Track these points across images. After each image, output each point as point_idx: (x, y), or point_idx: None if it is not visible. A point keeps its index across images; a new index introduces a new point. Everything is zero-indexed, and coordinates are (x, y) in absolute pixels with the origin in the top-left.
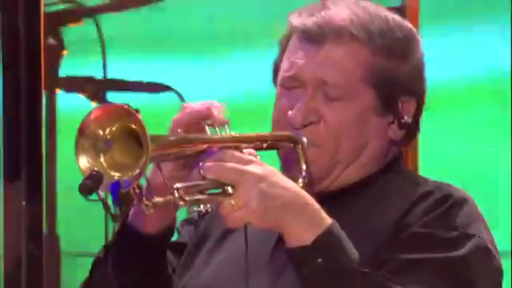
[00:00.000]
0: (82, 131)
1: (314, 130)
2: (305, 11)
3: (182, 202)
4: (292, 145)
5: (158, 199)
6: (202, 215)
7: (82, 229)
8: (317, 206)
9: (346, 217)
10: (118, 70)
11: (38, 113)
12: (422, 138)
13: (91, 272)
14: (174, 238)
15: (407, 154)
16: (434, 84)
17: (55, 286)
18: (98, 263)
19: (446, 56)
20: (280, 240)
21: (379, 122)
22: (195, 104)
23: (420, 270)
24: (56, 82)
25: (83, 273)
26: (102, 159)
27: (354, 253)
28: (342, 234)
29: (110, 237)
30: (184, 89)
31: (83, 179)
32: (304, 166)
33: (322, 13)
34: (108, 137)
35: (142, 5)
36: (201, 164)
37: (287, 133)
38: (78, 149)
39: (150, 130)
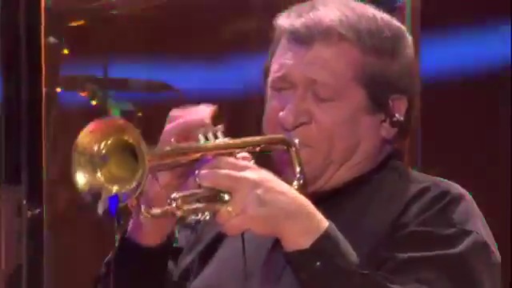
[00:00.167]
0: (77, 148)
1: (306, 130)
2: (293, 12)
3: (179, 212)
4: (285, 147)
5: (155, 210)
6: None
7: None
8: (313, 208)
9: (342, 216)
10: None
11: (38, 112)
12: None
13: None
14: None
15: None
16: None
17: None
18: (99, 279)
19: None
20: (277, 243)
21: (371, 120)
22: (187, 111)
23: (419, 268)
24: (57, 81)
25: None
26: (99, 174)
27: (352, 254)
28: (340, 236)
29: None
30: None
31: (82, 197)
32: (298, 169)
33: (311, 14)
34: (103, 151)
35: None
36: (196, 172)
37: (280, 136)
38: (75, 165)
39: (151, 130)
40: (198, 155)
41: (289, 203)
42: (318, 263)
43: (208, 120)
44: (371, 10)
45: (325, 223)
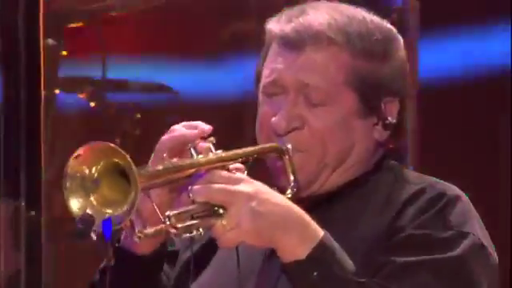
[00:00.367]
0: (68, 173)
1: (298, 135)
2: (283, 16)
3: (174, 230)
4: (278, 155)
5: (149, 230)
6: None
7: None
8: (308, 218)
9: (337, 221)
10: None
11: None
12: None
13: None
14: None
15: None
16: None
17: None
18: (93, 286)
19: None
20: (272, 252)
21: (363, 124)
22: (179, 127)
23: (417, 272)
24: (55, 83)
25: None
26: (91, 198)
27: (347, 262)
28: (335, 245)
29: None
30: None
31: (75, 224)
32: (292, 177)
33: (300, 18)
34: (95, 175)
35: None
36: (189, 188)
37: (273, 144)
38: (67, 191)
39: (150, 132)
40: (192, 171)
41: (283, 214)
42: (315, 273)
43: (205, 135)
44: (362, 13)
45: (320, 232)
